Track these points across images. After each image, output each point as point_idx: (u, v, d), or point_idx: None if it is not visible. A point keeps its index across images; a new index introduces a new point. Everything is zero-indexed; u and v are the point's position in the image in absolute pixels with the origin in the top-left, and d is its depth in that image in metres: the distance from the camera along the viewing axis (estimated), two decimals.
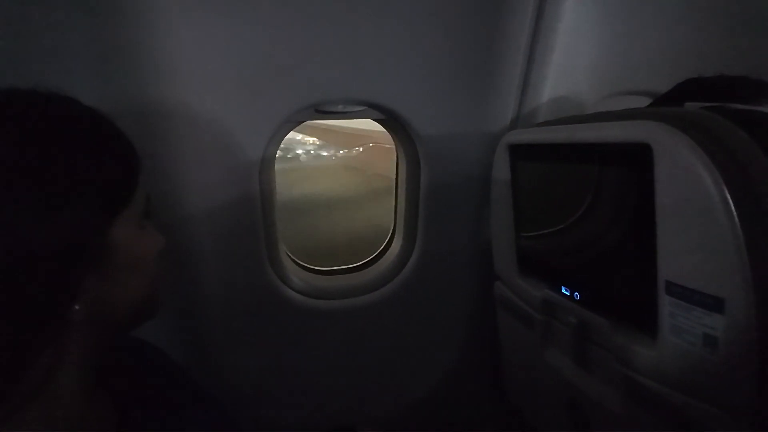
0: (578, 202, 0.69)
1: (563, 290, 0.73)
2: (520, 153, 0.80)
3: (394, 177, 1.14)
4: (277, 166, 0.95)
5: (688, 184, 0.48)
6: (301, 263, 1.10)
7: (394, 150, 1.10)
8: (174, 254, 0.49)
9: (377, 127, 1.02)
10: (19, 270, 0.33)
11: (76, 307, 0.37)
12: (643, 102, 0.84)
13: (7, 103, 0.37)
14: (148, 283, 0.46)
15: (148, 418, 0.50)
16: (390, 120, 0.96)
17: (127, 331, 0.48)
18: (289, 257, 1.07)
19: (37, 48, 0.69)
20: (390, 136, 1.06)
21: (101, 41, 0.70)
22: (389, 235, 1.17)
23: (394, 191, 1.14)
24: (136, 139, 0.45)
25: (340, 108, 0.90)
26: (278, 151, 0.94)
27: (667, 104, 0.73)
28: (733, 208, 0.44)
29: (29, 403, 0.36)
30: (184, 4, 0.70)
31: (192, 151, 0.81)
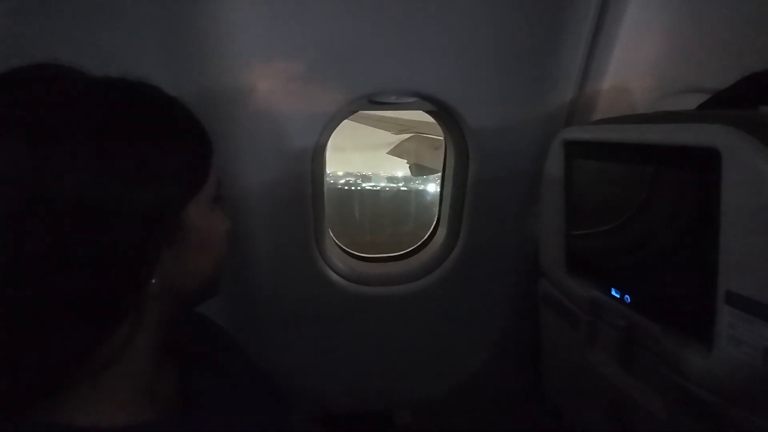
0: (635, 202, 0.67)
1: (613, 292, 0.71)
2: (576, 150, 0.79)
3: (441, 168, 1.15)
4: None
5: (757, 192, 0.46)
6: (347, 249, 1.13)
7: (435, 140, 1.10)
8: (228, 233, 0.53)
9: (422, 117, 1.02)
10: (109, 243, 0.36)
11: (154, 280, 0.41)
12: None
13: (101, 91, 0.40)
14: (215, 262, 0.49)
15: (207, 384, 0.54)
16: (441, 112, 0.96)
17: (194, 306, 0.52)
18: (335, 243, 1.10)
19: (108, 36, 0.73)
20: (432, 126, 1.07)
21: (170, 29, 0.74)
22: (433, 225, 1.18)
23: (440, 182, 1.14)
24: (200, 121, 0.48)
25: (393, 99, 0.91)
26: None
27: (733, 103, 0.69)
28: None
29: (111, 364, 0.40)
30: None
31: (249, 135, 0.84)
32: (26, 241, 0.33)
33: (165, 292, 0.42)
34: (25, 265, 0.34)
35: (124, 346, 0.41)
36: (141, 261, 0.39)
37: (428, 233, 1.18)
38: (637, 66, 0.91)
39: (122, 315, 0.40)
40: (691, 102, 0.88)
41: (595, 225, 0.77)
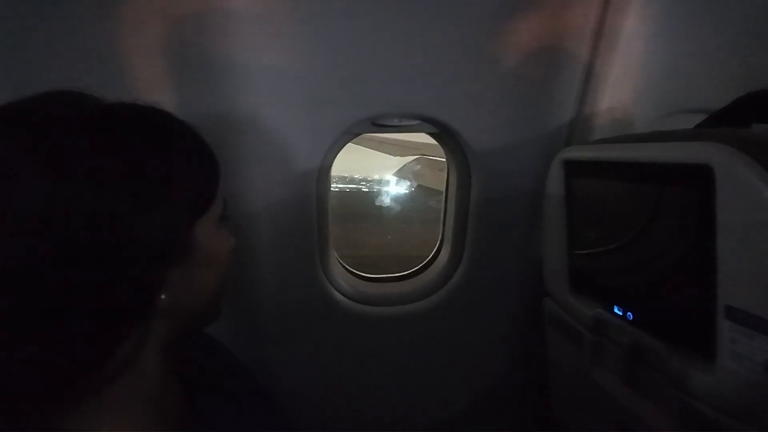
0: (635, 220, 0.68)
1: (616, 310, 0.72)
2: (575, 169, 0.80)
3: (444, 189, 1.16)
4: None
5: (750, 207, 0.47)
6: (351, 269, 1.14)
7: (440, 162, 1.12)
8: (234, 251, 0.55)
9: (426, 139, 1.05)
10: (120, 260, 0.38)
11: (162, 296, 0.42)
12: None
13: (114, 115, 0.42)
14: (220, 279, 0.50)
15: (213, 405, 0.54)
16: (443, 133, 0.98)
17: (200, 325, 0.53)
18: (339, 263, 1.11)
19: (120, 62, 0.76)
20: (437, 149, 1.09)
21: (182, 56, 0.77)
22: (437, 245, 1.18)
23: (443, 202, 1.16)
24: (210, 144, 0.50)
25: (395, 121, 0.94)
26: None
27: (729, 122, 0.71)
28: None
29: (117, 379, 0.41)
30: (257, 24, 0.76)
31: (256, 157, 0.87)
32: (39, 255, 0.35)
33: (172, 308, 0.43)
34: (37, 279, 0.35)
35: (130, 360, 0.42)
36: (150, 278, 0.40)
37: (432, 253, 1.19)
38: (634, 87, 0.93)
39: (129, 330, 0.41)
40: (688, 122, 0.90)
41: (596, 243, 0.78)
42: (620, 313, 0.71)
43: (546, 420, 1.05)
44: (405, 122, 0.94)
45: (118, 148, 0.39)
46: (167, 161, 0.43)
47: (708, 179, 0.51)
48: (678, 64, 0.93)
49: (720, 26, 0.91)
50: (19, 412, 0.38)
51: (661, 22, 0.88)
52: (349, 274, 1.12)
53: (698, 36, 0.91)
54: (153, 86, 0.77)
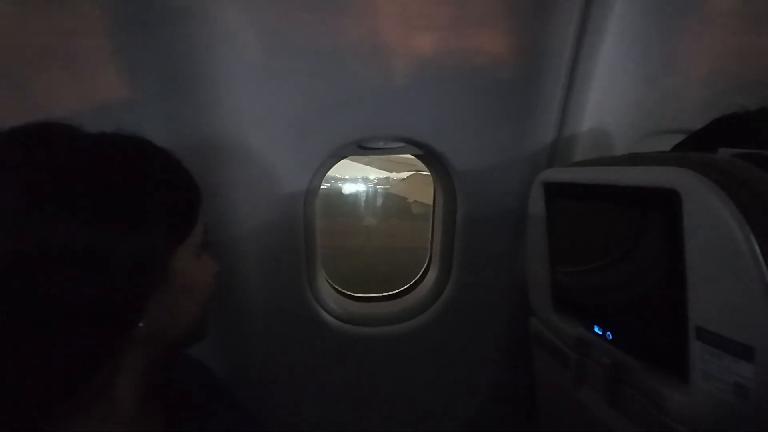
0: (611, 242, 0.69)
1: (596, 329, 0.72)
2: (555, 191, 0.82)
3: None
4: None
5: (715, 232, 0.48)
6: (339, 289, 1.14)
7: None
8: (221, 274, 0.55)
9: None
10: (97, 290, 0.38)
11: (140, 324, 0.43)
12: None
13: (95, 147, 0.44)
14: (201, 306, 0.51)
15: (194, 429, 0.55)
16: (428, 155, 1.00)
17: (180, 349, 0.53)
18: (328, 283, 1.12)
19: (107, 91, 0.77)
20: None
21: (170, 82, 0.79)
22: (425, 264, 1.19)
23: (431, 221, 1.17)
24: (196, 169, 0.51)
25: (381, 144, 0.96)
26: None
27: (701, 145, 0.73)
28: (760, 257, 0.44)
29: (91, 405, 0.42)
30: (244, 53, 0.78)
31: (244, 181, 0.88)
32: (13, 285, 0.36)
33: (151, 335, 0.44)
34: (11, 307, 0.36)
35: (107, 385, 0.42)
36: (128, 306, 0.41)
37: (420, 272, 1.20)
38: (613, 109, 0.95)
39: (108, 356, 0.41)
40: (667, 142, 0.92)
41: (575, 264, 0.79)
42: (600, 333, 0.71)
43: None
44: (390, 145, 0.96)
45: (95, 180, 0.40)
46: (144, 190, 0.44)
47: (676, 204, 0.53)
48: (655, 86, 0.96)
49: (696, 47, 0.94)
50: None
51: (637, 45, 0.90)
52: (337, 294, 1.13)
53: (676, 57, 0.94)
54: (140, 111, 0.79)
